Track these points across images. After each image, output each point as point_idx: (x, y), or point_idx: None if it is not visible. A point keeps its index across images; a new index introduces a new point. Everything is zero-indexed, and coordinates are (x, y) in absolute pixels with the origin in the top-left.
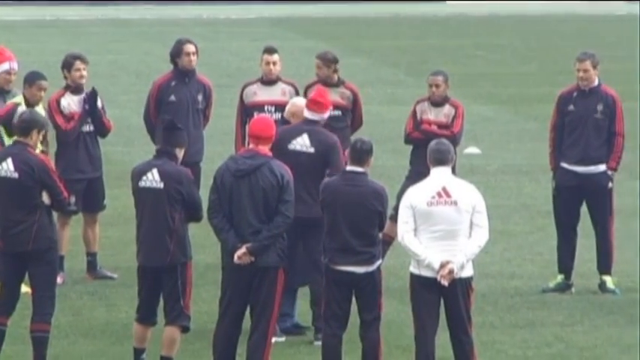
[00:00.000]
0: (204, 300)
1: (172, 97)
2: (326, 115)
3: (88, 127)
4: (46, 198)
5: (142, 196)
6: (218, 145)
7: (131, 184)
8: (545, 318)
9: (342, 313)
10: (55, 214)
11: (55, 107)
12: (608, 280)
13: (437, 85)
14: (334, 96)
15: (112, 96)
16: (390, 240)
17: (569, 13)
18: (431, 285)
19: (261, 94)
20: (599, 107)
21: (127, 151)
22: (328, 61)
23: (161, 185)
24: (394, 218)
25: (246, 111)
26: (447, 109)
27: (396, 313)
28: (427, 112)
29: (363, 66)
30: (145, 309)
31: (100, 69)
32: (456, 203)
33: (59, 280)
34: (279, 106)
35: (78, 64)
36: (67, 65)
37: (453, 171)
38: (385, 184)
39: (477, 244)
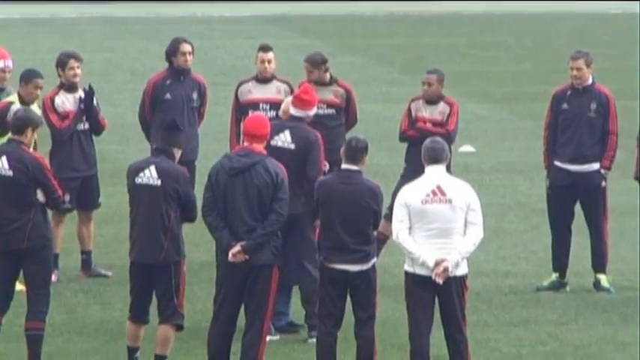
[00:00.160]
0: (199, 298)
1: (167, 96)
2: (311, 112)
3: (82, 126)
4: (40, 196)
5: (137, 192)
6: (213, 144)
7: (127, 181)
8: (540, 316)
9: (337, 311)
10: (49, 212)
11: (49, 106)
12: (603, 279)
13: (429, 84)
14: (328, 94)
15: (106, 94)
16: (384, 238)
17: (564, 12)
18: (425, 283)
19: (256, 92)
20: (593, 106)
21: (121, 149)
22: (317, 64)
23: (158, 182)
24: (389, 217)
25: (241, 109)
26: (442, 107)
27: (391, 312)
28: (422, 110)
29: (358, 64)
30: (138, 307)
31: (95, 67)
32: (450, 201)
33: (53, 277)
34: (274, 104)
35: (72, 62)
36: (61, 64)
37: (448, 169)
38: (380, 183)
39: (471, 242)
